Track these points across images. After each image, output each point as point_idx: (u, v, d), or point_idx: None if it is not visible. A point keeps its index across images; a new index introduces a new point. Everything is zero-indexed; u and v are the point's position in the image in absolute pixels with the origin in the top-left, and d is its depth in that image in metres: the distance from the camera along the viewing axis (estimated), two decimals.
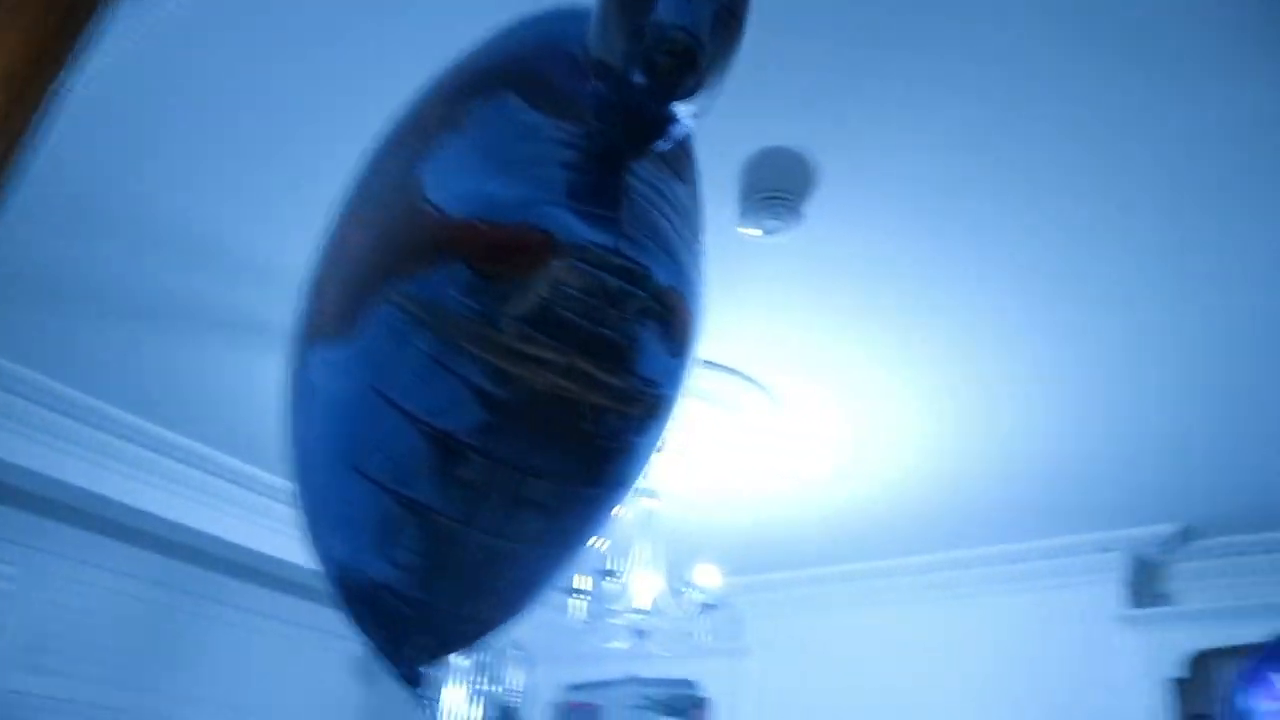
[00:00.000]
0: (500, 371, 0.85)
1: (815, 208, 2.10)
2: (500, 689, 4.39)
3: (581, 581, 2.87)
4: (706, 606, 2.94)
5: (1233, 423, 2.95)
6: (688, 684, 4.54)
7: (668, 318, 0.91)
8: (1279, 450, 3.09)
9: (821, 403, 2.95)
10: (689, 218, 1.00)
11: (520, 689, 4.55)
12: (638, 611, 2.90)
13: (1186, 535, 3.74)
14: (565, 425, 0.90)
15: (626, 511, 2.81)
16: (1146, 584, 3.91)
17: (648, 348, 0.90)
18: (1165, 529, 3.73)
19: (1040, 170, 1.96)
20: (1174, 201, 2.03)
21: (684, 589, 2.98)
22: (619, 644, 2.99)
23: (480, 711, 4.25)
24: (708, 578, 2.95)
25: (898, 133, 1.89)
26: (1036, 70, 1.73)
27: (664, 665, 4.24)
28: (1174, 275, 2.26)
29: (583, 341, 0.86)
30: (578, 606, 2.87)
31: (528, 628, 3.88)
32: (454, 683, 4.16)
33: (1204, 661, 3.53)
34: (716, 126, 1.40)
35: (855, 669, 4.20)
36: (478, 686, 4.24)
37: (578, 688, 4.81)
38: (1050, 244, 2.18)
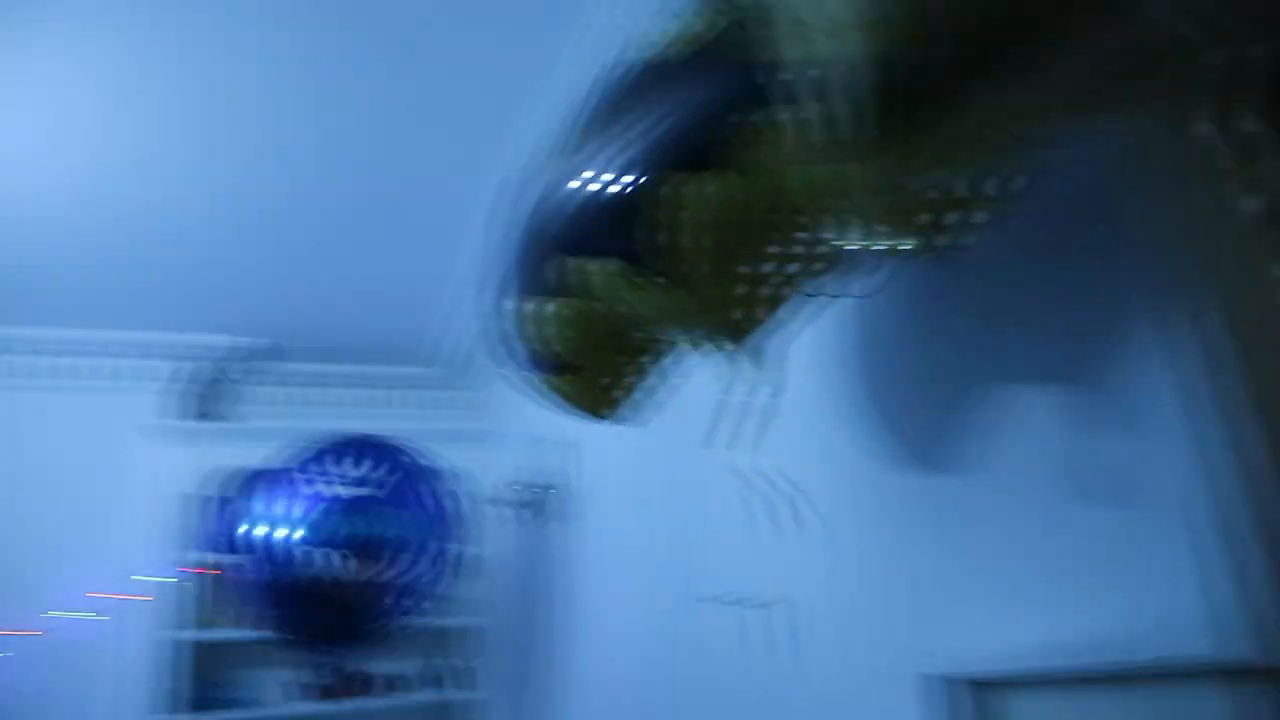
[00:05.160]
0: None
1: None
2: None
3: None
4: None
5: (298, 248, 3.00)
6: None
7: None
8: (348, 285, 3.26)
9: None
10: None
11: None
12: None
13: (262, 353, 3.70)
14: None
15: None
16: (201, 398, 3.74)
17: None
18: (227, 341, 3.65)
19: None
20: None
21: None
22: None
23: None
24: None
25: None
26: None
27: None
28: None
29: None
30: None
31: None
32: None
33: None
34: None
35: None
36: None
37: None
38: None
